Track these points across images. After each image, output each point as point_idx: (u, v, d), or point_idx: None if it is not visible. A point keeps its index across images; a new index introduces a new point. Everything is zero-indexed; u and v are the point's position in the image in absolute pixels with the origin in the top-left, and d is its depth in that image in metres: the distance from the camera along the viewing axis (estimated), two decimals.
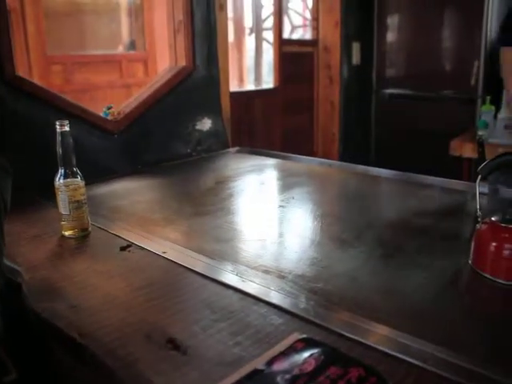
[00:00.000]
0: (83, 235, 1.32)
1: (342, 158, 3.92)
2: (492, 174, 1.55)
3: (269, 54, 3.84)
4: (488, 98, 3.02)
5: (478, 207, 1.11)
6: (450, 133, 3.09)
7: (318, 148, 3.99)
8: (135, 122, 2.11)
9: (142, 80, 5.34)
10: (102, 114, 2.08)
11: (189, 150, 2.29)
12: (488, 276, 1.04)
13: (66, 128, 1.28)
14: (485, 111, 2.95)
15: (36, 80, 4.71)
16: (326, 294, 0.96)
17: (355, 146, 4.06)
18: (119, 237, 1.30)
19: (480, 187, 1.68)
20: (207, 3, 2.33)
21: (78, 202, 1.30)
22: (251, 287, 0.98)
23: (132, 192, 1.78)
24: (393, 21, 3.85)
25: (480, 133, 2.81)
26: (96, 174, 1.86)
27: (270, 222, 1.46)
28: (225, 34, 2.52)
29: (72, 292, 1.01)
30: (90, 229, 1.35)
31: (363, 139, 4.06)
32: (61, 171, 1.29)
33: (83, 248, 1.26)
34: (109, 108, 2.12)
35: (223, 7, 2.48)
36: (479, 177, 1.11)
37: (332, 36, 3.77)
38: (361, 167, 2.04)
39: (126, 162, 2.06)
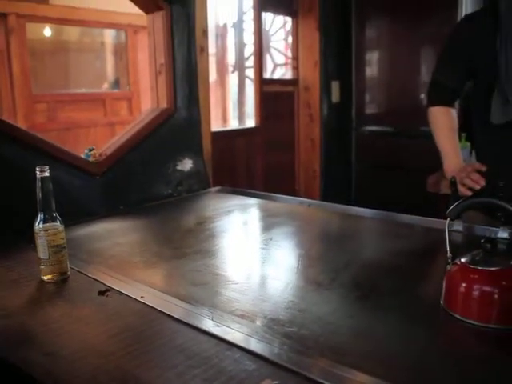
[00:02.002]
0: (62, 279, 1.33)
1: (324, 195, 3.97)
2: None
3: (252, 91, 3.91)
4: (463, 134, 3.09)
5: (448, 249, 1.14)
6: (430, 169, 3.15)
7: (299, 186, 4.04)
8: (117, 163, 2.14)
9: (126, 118, 5.40)
10: (83, 156, 2.11)
11: (170, 191, 2.32)
12: (459, 317, 1.06)
13: (46, 173, 1.29)
14: (461, 148, 3.02)
15: (20, 119, 4.75)
16: (301, 339, 0.97)
17: (337, 183, 4.12)
18: (98, 281, 1.31)
19: (456, 226, 1.73)
20: (188, 46, 2.39)
21: (57, 246, 1.31)
22: (226, 332, 0.99)
23: (112, 234, 1.79)
24: (371, 59, 3.95)
25: None
26: (77, 215, 1.88)
27: (248, 264, 1.48)
28: (206, 75, 2.58)
29: (48, 339, 1.01)
30: (69, 273, 1.35)
31: (344, 176, 4.12)
32: (40, 216, 1.30)
33: (61, 293, 1.26)
34: (90, 150, 2.14)
35: (204, 49, 2.54)
36: (448, 220, 1.15)
37: (312, 75, 3.87)
38: (340, 206, 2.08)
39: (108, 203, 2.08)
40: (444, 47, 1.94)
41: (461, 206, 1.16)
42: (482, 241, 1.10)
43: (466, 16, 1.94)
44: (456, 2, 3.41)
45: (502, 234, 1.59)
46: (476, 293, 1.05)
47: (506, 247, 1.49)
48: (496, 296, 1.03)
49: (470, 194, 1.78)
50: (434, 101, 1.94)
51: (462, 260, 1.10)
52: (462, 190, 1.81)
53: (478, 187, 1.75)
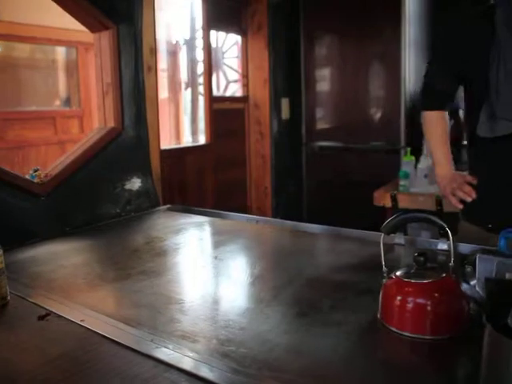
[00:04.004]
0: (1, 305, 1.30)
1: (276, 211, 4.01)
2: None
3: None
4: (408, 149, 3.19)
5: (383, 263, 1.18)
6: (379, 182, 3.23)
7: (251, 202, 4.06)
8: (62, 183, 2.11)
9: (77, 137, 5.33)
10: (28, 177, 2.08)
11: (118, 210, 2.30)
12: (395, 330, 1.09)
13: None
14: (405, 162, 3.11)
15: None
16: (239, 358, 0.98)
17: (288, 199, 4.16)
18: (38, 305, 1.29)
19: (397, 239, 1.78)
20: (135, 65, 2.40)
21: None
22: (164, 354, 1.00)
23: (56, 256, 1.76)
24: (320, 76, 4.04)
25: (401, 183, 2.95)
26: (20, 238, 1.85)
27: (192, 284, 1.49)
28: (154, 94, 2.58)
29: None
30: (8, 298, 1.32)
31: (295, 191, 4.17)
32: None
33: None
34: (35, 170, 2.11)
35: (152, 68, 2.55)
36: (382, 235, 1.18)
37: (261, 93, 3.92)
38: (288, 222, 2.11)
39: (54, 224, 2.04)
40: (433, 48, 1.89)
41: (395, 221, 1.19)
42: (416, 254, 1.13)
43: (460, 16, 1.85)
44: (399, 21, 3.53)
45: (442, 245, 1.65)
46: (410, 305, 1.08)
47: (445, 258, 1.56)
48: (429, 308, 1.07)
49: (461, 206, 1.84)
50: (426, 105, 1.93)
51: (397, 274, 1.14)
52: (453, 201, 1.86)
53: (469, 199, 1.80)
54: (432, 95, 1.91)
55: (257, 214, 3.80)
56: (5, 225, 1.83)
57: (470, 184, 1.79)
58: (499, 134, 1.63)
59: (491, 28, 1.63)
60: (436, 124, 1.92)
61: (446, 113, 1.93)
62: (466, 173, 1.89)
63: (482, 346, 0.79)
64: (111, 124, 2.35)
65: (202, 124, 3.94)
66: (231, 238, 1.93)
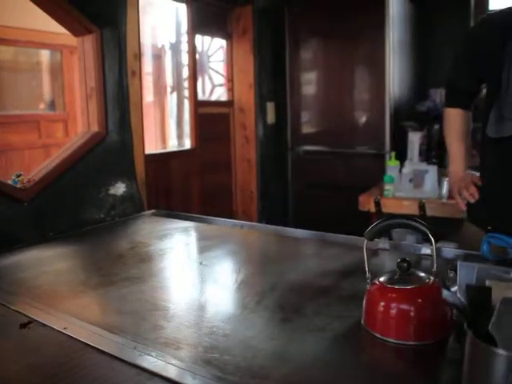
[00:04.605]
0: None
1: (261, 215, 4.01)
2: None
3: None
4: (393, 153, 3.21)
5: (367, 269, 1.18)
6: (364, 187, 3.25)
7: (237, 207, 4.06)
8: (46, 189, 2.09)
9: (62, 140, 5.29)
10: (10, 182, 2.06)
11: (102, 215, 2.28)
12: (379, 335, 1.09)
13: None
14: (390, 166, 3.13)
15: None
16: (222, 365, 0.98)
17: (274, 203, 4.17)
18: (20, 313, 1.27)
19: (382, 244, 1.79)
20: (119, 70, 2.39)
21: None
22: (148, 361, 0.99)
23: (40, 262, 1.74)
24: (305, 80, 4.05)
25: (386, 187, 2.97)
26: (4, 244, 1.83)
27: (176, 290, 1.48)
28: (138, 99, 2.57)
29: None
30: None
31: (281, 195, 4.17)
32: None
33: None
34: (18, 176, 2.09)
35: (136, 73, 2.55)
36: (365, 241, 1.19)
37: (246, 97, 3.92)
38: (272, 227, 2.11)
39: (37, 230, 2.03)
40: (460, 47, 1.91)
41: (378, 226, 1.20)
42: (399, 260, 1.14)
43: (485, 18, 1.87)
44: (383, 23, 3.55)
45: (426, 250, 1.66)
46: (393, 311, 1.09)
47: (429, 263, 1.56)
48: (412, 313, 1.07)
49: (464, 207, 1.86)
50: (449, 103, 1.97)
51: (381, 279, 1.14)
52: (458, 201, 1.89)
53: (472, 200, 1.82)
54: (454, 93, 1.94)
55: (242, 219, 3.80)
56: None
57: (475, 185, 1.82)
58: (506, 134, 1.65)
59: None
60: (454, 121, 1.95)
61: (469, 112, 1.96)
62: (477, 173, 1.91)
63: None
64: (95, 128, 2.34)
65: (187, 128, 3.94)
66: (216, 244, 1.92)
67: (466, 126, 1.96)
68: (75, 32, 2.35)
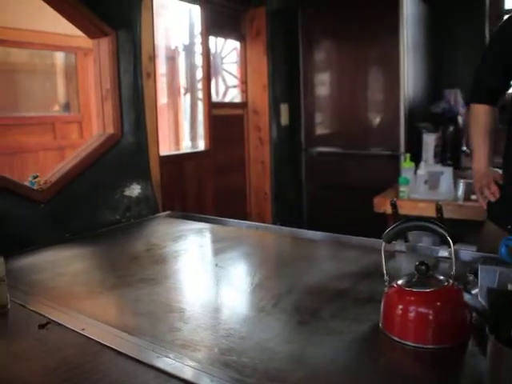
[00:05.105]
0: (1, 313, 1.29)
1: (276, 217, 4.00)
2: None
3: None
4: (408, 155, 3.19)
5: (385, 272, 1.17)
6: (379, 188, 3.23)
7: (251, 208, 4.06)
8: (62, 190, 2.11)
9: (76, 142, 5.32)
10: (27, 183, 2.07)
11: (118, 217, 2.29)
12: (397, 339, 1.09)
13: None
14: (405, 168, 3.12)
15: None
16: (239, 367, 0.98)
17: (288, 204, 4.16)
18: (39, 313, 1.28)
19: (398, 246, 1.77)
20: (134, 72, 2.40)
21: None
22: (166, 363, 0.99)
23: (56, 263, 1.75)
24: (319, 81, 4.04)
25: (401, 189, 2.95)
26: (20, 245, 1.84)
27: (192, 292, 1.48)
28: (152, 101, 2.58)
29: None
30: (8, 306, 1.32)
31: (295, 197, 4.17)
32: None
33: (0, 327, 1.23)
34: (35, 177, 2.11)
35: (150, 75, 2.55)
36: (383, 244, 1.18)
37: (260, 99, 3.92)
38: (287, 229, 2.10)
39: (53, 231, 2.04)
40: (488, 43, 1.92)
41: (396, 229, 1.19)
42: (417, 263, 1.13)
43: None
44: (397, 24, 3.54)
45: (443, 253, 1.65)
46: (412, 314, 1.08)
47: (447, 266, 1.55)
48: (431, 317, 1.06)
49: (485, 206, 1.85)
50: (475, 98, 1.96)
51: (399, 282, 1.13)
52: (479, 199, 1.88)
53: (493, 199, 1.81)
54: (480, 89, 1.94)
55: (256, 220, 3.79)
56: (4, 232, 1.82)
57: (496, 183, 1.81)
58: None
59: None
60: (480, 117, 1.94)
61: (495, 109, 1.94)
62: (500, 171, 1.90)
63: (486, 357, 0.79)
64: (110, 130, 2.35)
65: (201, 129, 3.94)
66: (231, 245, 1.92)
67: (492, 123, 1.94)
68: (91, 34, 2.36)
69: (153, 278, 1.55)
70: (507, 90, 1.91)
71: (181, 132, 5.35)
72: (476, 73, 1.96)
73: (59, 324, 1.21)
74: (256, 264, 1.77)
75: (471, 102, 1.98)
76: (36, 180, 2.10)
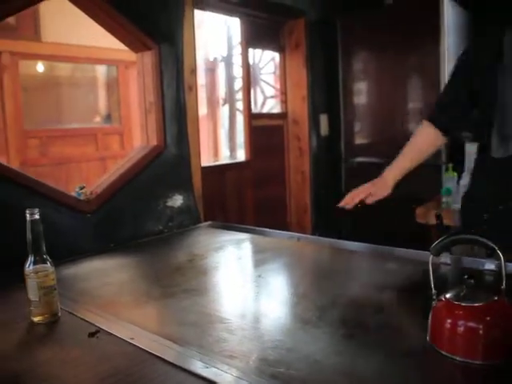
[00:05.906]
0: (53, 321, 1.33)
1: (316, 227, 3.99)
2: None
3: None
4: (450, 165, 3.14)
5: (432, 285, 1.16)
6: (420, 199, 3.19)
7: (291, 219, 4.06)
8: (107, 201, 2.16)
9: (118, 153, 5.44)
10: (74, 194, 2.13)
11: (161, 227, 2.33)
12: (445, 353, 1.07)
13: (36, 216, 1.31)
14: (447, 178, 3.07)
15: (13, 154, 4.77)
16: (288, 379, 0.98)
17: (328, 215, 4.14)
18: (88, 322, 1.31)
19: (443, 258, 1.74)
20: (177, 85, 2.44)
21: (47, 287, 1.31)
22: (215, 374, 1.00)
23: (103, 272, 1.79)
24: (358, 91, 4.02)
25: (444, 200, 2.91)
26: (68, 254, 1.89)
27: (237, 303, 1.49)
28: (194, 113, 2.62)
29: None
30: (59, 314, 1.35)
31: (335, 208, 4.14)
32: (30, 258, 1.31)
33: (51, 335, 1.27)
34: (81, 188, 2.16)
35: (192, 88, 2.59)
36: (431, 256, 1.17)
37: (300, 109, 3.93)
38: (328, 240, 2.10)
39: (99, 240, 2.09)
40: (453, 67, 1.91)
41: (444, 242, 1.18)
42: (465, 277, 1.11)
43: (475, 37, 1.91)
44: (438, 33, 3.50)
45: (489, 265, 1.61)
46: (461, 329, 1.06)
47: (492, 278, 1.52)
48: (481, 332, 1.04)
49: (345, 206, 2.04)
50: (429, 117, 1.99)
51: (447, 296, 1.12)
52: (346, 198, 2.11)
53: (342, 204, 2.08)
54: (436, 109, 1.97)
55: (296, 230, 3.79)
56: (53, 241, 1.86)
57: (364, 199, 2.03)
58: None
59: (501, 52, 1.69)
60: (421, 134, 2.03)
61: (441, 137, 1.97)
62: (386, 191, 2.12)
63: None
64: (154, 142, 2.40)
65: (239, 140, 3.97)
66: (273, 256, 1.93)
67: (428, 147, 2.01)
68: (134, 48, 2.41)
69: (196, 289, 1.57)
70: (463, 118, 1.89)
71: (219, 143, 5.41)
72: (439, 97, 2.00)
73: (108, 333, 1.24)
74: (298, 275, 1.78)
75: (424, 118, 2.00)
76: (82, 191, 2.15)
